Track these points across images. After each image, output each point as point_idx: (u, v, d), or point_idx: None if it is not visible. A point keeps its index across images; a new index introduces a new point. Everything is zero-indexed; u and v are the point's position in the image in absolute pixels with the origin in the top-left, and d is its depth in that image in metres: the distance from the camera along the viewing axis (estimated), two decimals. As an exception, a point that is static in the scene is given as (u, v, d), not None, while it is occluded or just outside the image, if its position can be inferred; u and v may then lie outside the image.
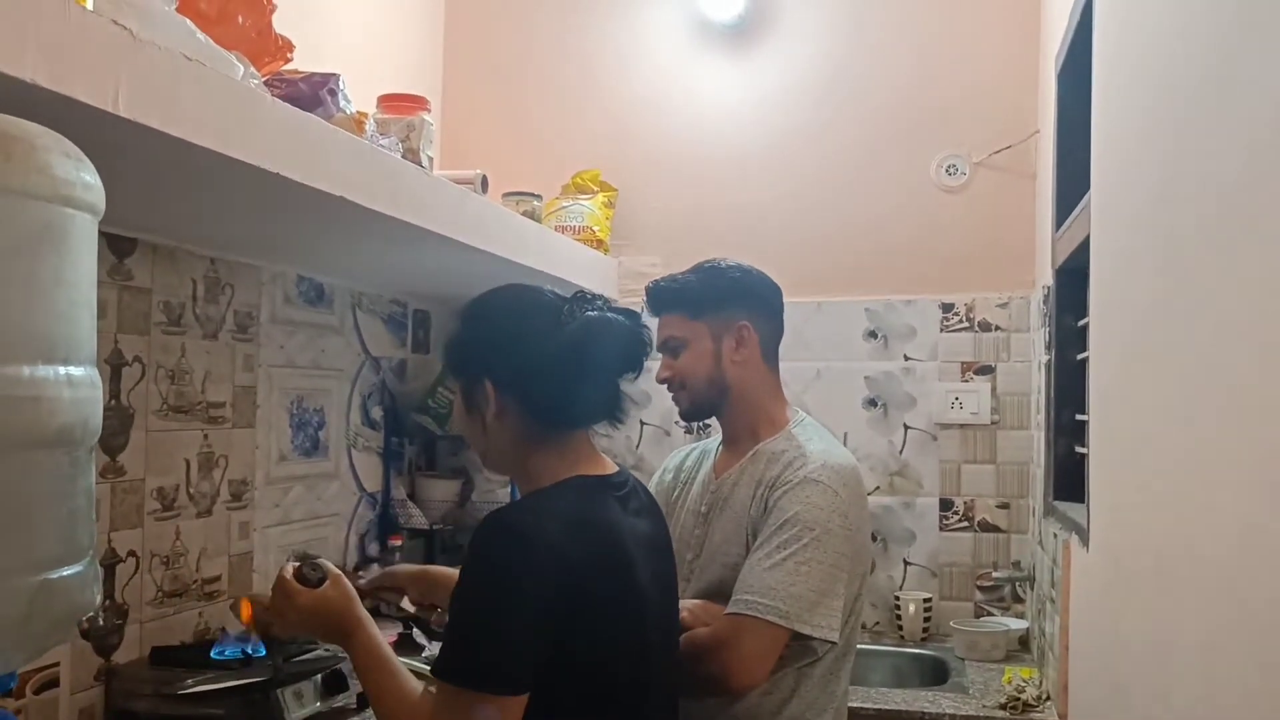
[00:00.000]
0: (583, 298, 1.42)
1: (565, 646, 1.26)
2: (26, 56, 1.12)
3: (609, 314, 1.41)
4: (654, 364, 1.67)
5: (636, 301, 1.81)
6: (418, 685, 1.35)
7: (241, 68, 1.55)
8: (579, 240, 2.93)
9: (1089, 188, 1.99)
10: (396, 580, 1.76)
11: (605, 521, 1.35)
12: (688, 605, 1.63)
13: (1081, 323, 2.38)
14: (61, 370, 0.96)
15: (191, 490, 2.14)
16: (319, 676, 1.93)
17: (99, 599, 1.05)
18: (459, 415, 1.48)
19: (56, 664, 1.78)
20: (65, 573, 0.97)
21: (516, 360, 1.39)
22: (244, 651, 2.02)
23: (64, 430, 0.96)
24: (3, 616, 0.91)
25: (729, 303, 1.72)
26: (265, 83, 1.65)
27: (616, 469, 1.47)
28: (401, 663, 1.41)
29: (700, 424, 2.94)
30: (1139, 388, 1.45)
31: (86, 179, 1.00)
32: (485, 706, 1.22)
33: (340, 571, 1.48)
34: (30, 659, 1.12)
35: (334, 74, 1.82)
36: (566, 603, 1.25)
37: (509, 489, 2.99)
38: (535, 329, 1.39)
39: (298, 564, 1.49)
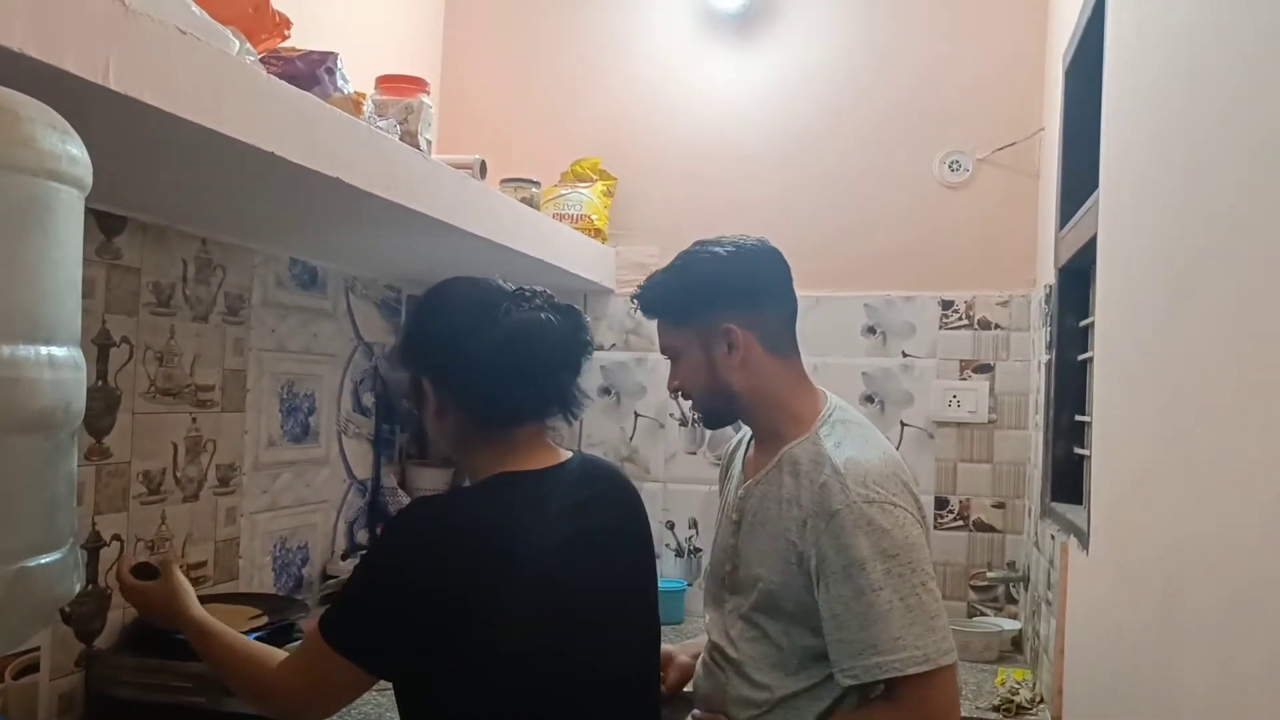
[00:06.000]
0: (521, 294, 1.41)
1: (449, 646, 1.28)
2: (15, 24, 1.08)
3: (545, 314, 1.39)
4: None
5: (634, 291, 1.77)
6: (266, 650, 1.43)
7: (237, 43, 1.51)
8: (577, 229, 2.89)
9: (1095, 187, 1.96)
10: None
11: (504, 523, 1.33)
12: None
13: (1084, 323, 2.36)
14: (43, 350, 0.92)
15: (178, 474, 2.10)
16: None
17: (79, 587, 1.02)
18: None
19: (37, 649, 1.75)
20: (44, 560, 0.94)
21: (448, 361, 1.39)
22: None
23: (44, 413, 0.93)
24: (-23, 606, 0.87)
25: (706, 305, 1.54)
26: (261, 60, 1.61)
27: (563, 459, 1.44)
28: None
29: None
30: (1146, 390, 1.43)
31: (73, 152, 0.96)
32: (342, 669, 1.29)
33: (174, 572, 1.53)
34: (7, 650, 1.10)
35: (332, 53, 1.78)
36: (439, 606, 1.27)
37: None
38: (466, 328, 1.38)
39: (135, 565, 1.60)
